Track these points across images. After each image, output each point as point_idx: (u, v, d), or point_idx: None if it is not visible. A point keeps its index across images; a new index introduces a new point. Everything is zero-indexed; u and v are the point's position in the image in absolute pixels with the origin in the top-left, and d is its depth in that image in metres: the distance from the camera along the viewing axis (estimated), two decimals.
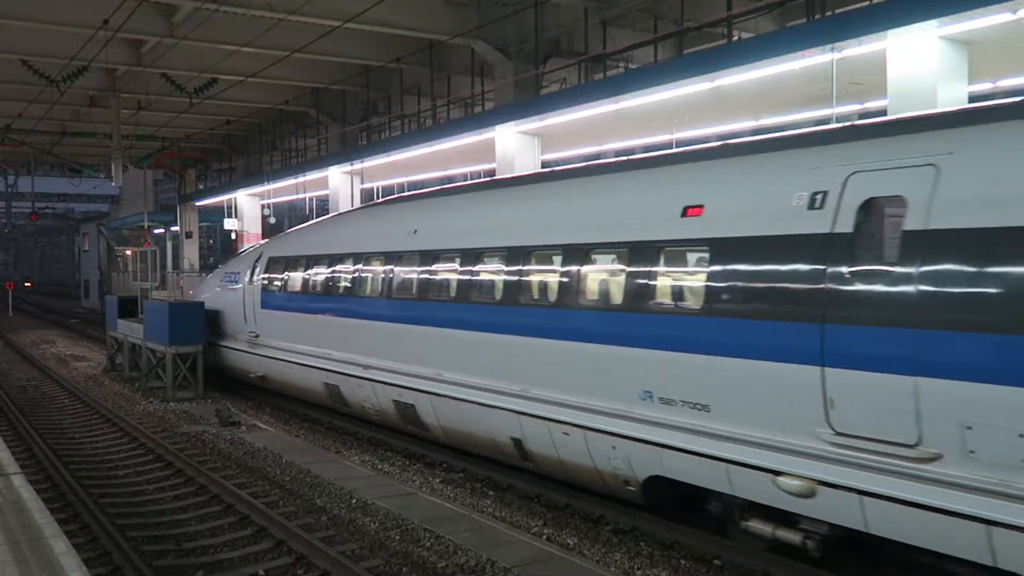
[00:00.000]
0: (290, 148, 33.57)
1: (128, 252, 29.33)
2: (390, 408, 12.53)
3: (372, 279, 13.28)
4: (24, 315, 48.16)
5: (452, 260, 11.48)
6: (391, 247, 12.88)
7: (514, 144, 18.21)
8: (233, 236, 37.25)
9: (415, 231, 12.44)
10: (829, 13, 13.78)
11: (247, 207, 34.49)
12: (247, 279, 17.25)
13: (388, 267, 12.71)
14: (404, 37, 21.10)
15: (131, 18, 17.87)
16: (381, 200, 16.26)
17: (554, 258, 9.94)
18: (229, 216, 34.31)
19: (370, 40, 22.08)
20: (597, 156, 21.53)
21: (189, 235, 39.91)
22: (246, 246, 20.48)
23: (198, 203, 39.16)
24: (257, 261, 17.14)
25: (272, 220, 34.94)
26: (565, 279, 9.46)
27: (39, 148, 34.68)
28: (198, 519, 9.55)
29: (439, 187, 14.84)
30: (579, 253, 9.40)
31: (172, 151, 37.56)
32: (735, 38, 16.54)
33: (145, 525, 9.32)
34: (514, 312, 10.10)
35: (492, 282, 10.67)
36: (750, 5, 15.94)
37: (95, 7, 18.65)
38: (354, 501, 9.77)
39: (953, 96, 10.91)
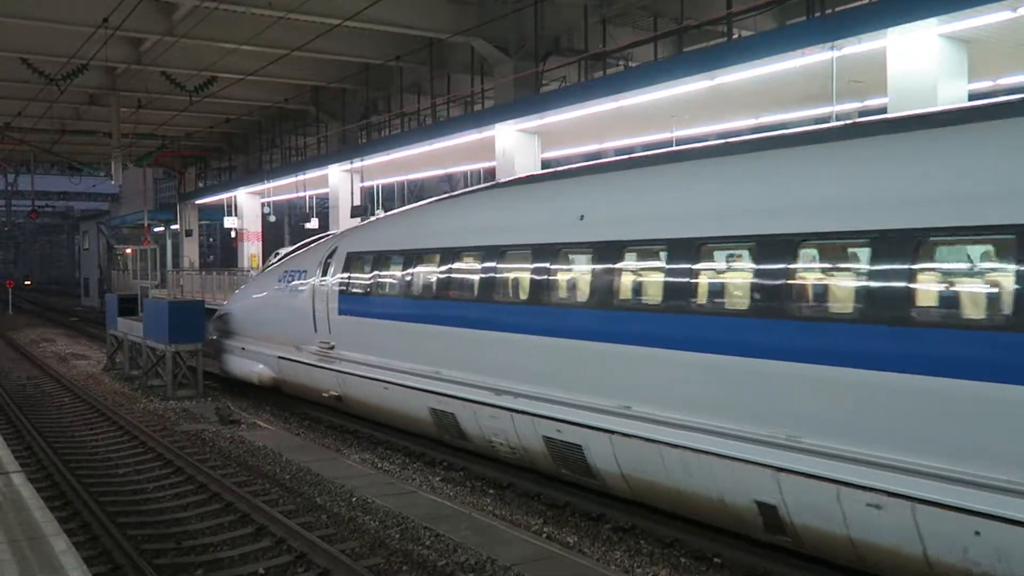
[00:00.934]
0: (290, 146, 33.58)
1: (128, 250, 29.37)
2: (537, 447, 9.80)
3: (512, 280, 10.42)
4: (24, 313, 48.16)
5: (650, 255, 8.87)
6: (543, 238, 9.87)
7: (514, 142, 18.23)
8: (233, 234, 37.27)
9: (581, 217, 9.54)
10: (829, 11, 13.78)
11: (247, 205, 34.49)
12: (316, 279, 14.40)
13: (540, 264, 9.78)
14: (404, 35, 21.11)
15: (131, 16, 17.89)
16: (516, 178, 12.60)
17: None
18: (229, 214, 34.32)
19: (370, 38, 22.09)
20: (597, 155, 21.54)
21: (189, 233, 39.94)
22: (308, 239, 17.60)
23: (198, 201, 39.18)
24: (330, 257, 14.26)
25: (272, 218, 34.96)
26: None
27: (39, 146, 34.71)
28: (198, 517, 9.55)
29: (614, 158, 11.73)
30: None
31: (172, 149, 37.58)
32: (735, 36, 16.54)
33: (145, 523, 9.32)
34: (785, 329, 7.09)
35: (725, 285, 7.97)
36: (750, 3, 15.93)
37: (95, 5, 18.67)
38: (354, 499, 9.77)
39: (953, 94, 10.92)
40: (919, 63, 10.89)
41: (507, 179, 13.14)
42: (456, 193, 13.51)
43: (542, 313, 9.74)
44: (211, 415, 15.15)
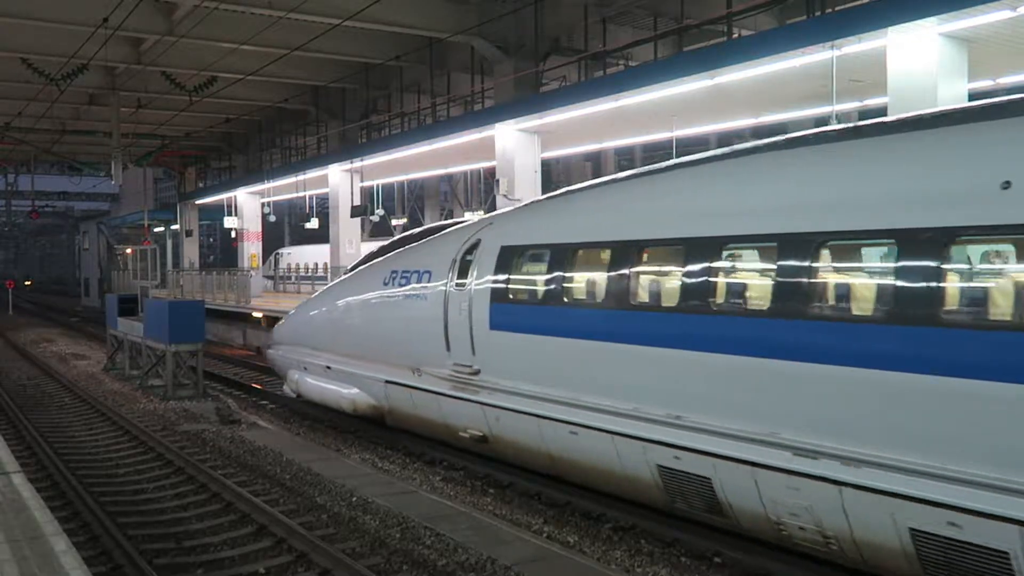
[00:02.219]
0: (290, 146, 33.59)
1: (128, 250, 29.38)
2: (889, 542, 6.44)
3: (860, 285, 7.03)
4: (24, 313, 48.19)
5: None
6: (898, 221, 6.49)
7: (514, 142, 18.23)
8: (233, 234, 37.29)
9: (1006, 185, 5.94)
10: (829, 10, 13.78)
11: (247, 205, 34.50)
12: (449, 282, 10.99)
13: (893, 263, 6.51)
14: (404, 35, 21.11)
15: (131, 16, 17.90)
16: (806, 133, 8.45)
17: None
18: (229, 214, 34.32)
19: (369, 38, 22.10)
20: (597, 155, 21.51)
21: (189, 233, 39.95)
22: (414, 230, 14.33)
23: (198, 201, 39.19)
24: (469, 253, 10.89)
25: (272, 218, 34.97)
26: None
27: (39, 146, 34.71)
28: (198, 517, 9.55)
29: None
30: None
31: (172, 149, 37.59)
32: (735, 35, 16.55)
33: (145, 523, 9.31)
34: None
35: None
36: (750, 2, 15.95)
37: (95, 5, 18.67)
38: (354, 499, 9.77)
39: (953, 93, 10.93)
40: (919, 62, 10.89)
41: (771, 140, 8.31)
42: (699, 158, 8.99)
43: (919, 338, 6.16)
44: (211, 415, 15.14)
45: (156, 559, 8.12)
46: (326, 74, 25.95)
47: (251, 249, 34.77)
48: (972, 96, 11.31)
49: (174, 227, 42.70)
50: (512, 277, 10.18)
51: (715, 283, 7.87)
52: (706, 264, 7.82)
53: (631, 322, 8.58)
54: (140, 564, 7.77)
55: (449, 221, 14.73)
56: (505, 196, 18.28)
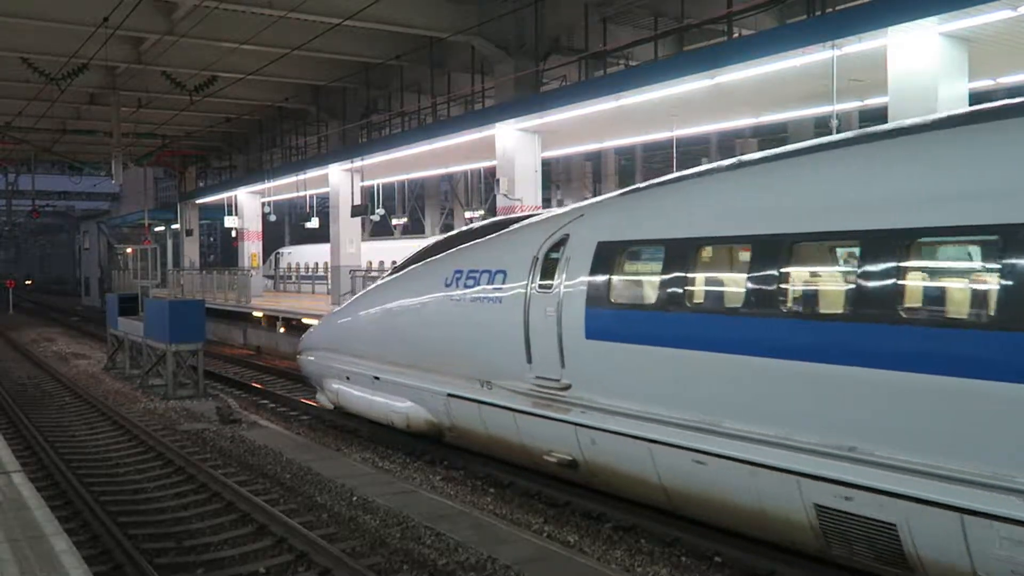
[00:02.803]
0: (290, 146, 33.59)
1: (129, 250, 29.38)
2: None
3: None
4: (25, 313, 48.20)
5: None
6: None
7: (514, 141, 18.23)
8: (233, 234, 37.29)
9: None
10: (829, 10, 13.78)
11: (247, 205, 34.50)
12: (530, 283, 9.61)
13: None
14: (404, 34, 21.11)
15: (131, 15, 17.89)
16: None
17: None
18: (229, 214, 34.32)
19: (370, 37, 22.10)
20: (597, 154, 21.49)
21: (190, 233, 39.95)
22: (475, 225, 13.05)
23: (198, 201, 39.19)
24: (555, 250, 9.52)
25: (272, 218, 34.97)
26: None
27: (39, 146, 34.72)
28: (199, 517, 9.56)
29: None
30: None
31: (172, 149, 37.60)
32: (735, 35, 16.55)
33: (146, 523, 9.32)
34: None
35: None
36: (750, 2, 15.96)
37: (95, 5, 18.67)
38: (355, 499, 9.77)
39: (954, 93, 10.93)
40: (920, 62, 10.89)
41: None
42: (881, 131, 7.40)
43: None
44: (211, 414, 15.15)
45: (156, 559, 8.13)
46: (326, 74, 25.94)
47: (251, 249, 34.78)
48: (972, 96, 11.31)
49: (174, 227, 42.69)
50: (616, 278, 8.69)
51: (911, 286, 6.38)
52: (901, 263, 6.28)
53: (787, 332, 7.01)
54: (140, 563, 7.78)
55: (517, 215, 12.52)
56: (505, 196, 18.28)
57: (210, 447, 12.87)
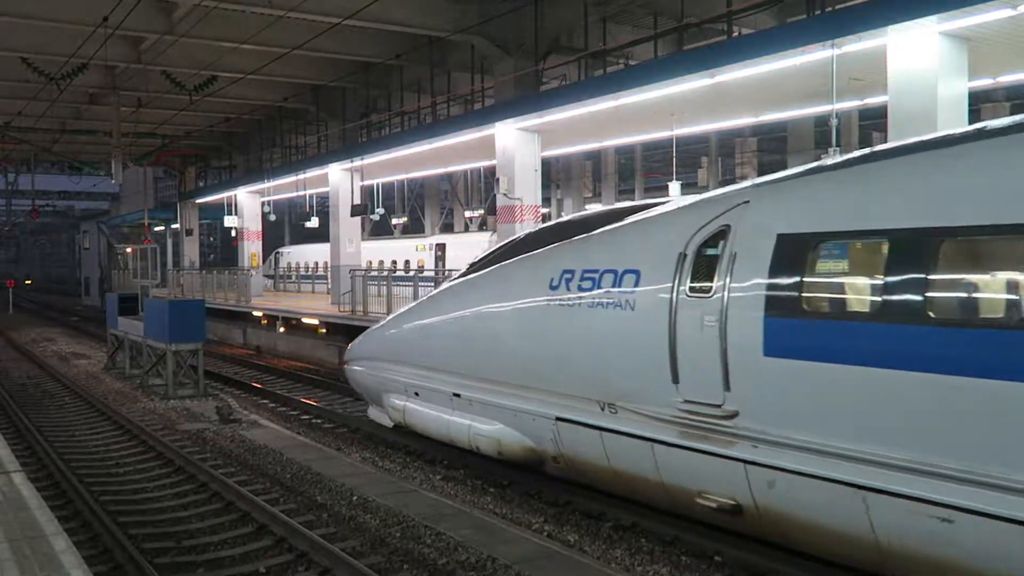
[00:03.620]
0: (290, 145, 33.59)
1: (128, 249, 29.40)
2: None
3: None
4: (25, 313, 48.21)
5: None
6: None
7: (514, 140, 18.23)
8: (233, 233, 37.29)
9: None
10: (829, 9, 13.78)
11: (247, 204, 34.51)
12: (678, 285, 7.81)
13: None
14: (404, 34, 21.10)
15: (131, 15, 17.89)
16: None
17: None
18: (229, 213, 34.32)
19: (370, 37, 22.09)
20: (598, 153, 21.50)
21: (189, 232, 39.95)
22: (583, 214, 11.50)
23: (198, 200, 39.20)
24: (712, 245, 7.71)
25: (272, 217, 34.98)
26: None
27: (39, 146, 34.72)
28: (199, 516, 9.56)
29: None
30: None
31: (172, 148, 37.59)
32: (735, 34, 16.55)
33: (146, 523, 9.32)
34: None
35: None
36: (750, 1, 15.95)
37: (95, 4, 18.66)
38: (355, 498, 9.77)
39: (953, 92, 10.93)
40: (919, 61, 10.89)
41: None
42: None
43: None
44: (211, 414, 15.15)
45: (156, 558, 8.13)
46: (326, 73, 25.94)
47: (251, 248, 34.78)
48: (972, 95, 11.32)
49: (174, 226, 42.69)
50: (812, 280, 6.96)
51: None
52: None
53: None
54: (140, 563, 7.78)
55: (645, 202, 10.24)
56: (505, 195, 18.29)
57: (210, 447, 12.86)
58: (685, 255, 7.83)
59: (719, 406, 7.33)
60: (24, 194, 56.51)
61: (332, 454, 12.25)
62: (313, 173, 27.33)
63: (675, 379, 7.70)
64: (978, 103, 25.30)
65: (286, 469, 11.30)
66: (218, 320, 29.90)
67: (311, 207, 33.62)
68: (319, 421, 15.47)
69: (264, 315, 27.03)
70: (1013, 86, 14.03)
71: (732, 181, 36.67)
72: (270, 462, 11.72)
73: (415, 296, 19.01)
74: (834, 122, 12.19)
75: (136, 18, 18.43)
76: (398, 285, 20.71)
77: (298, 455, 11.92)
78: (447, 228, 40.80)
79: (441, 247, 29.79)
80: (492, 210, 29.34)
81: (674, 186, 19.52)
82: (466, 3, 19.95)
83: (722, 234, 7.59)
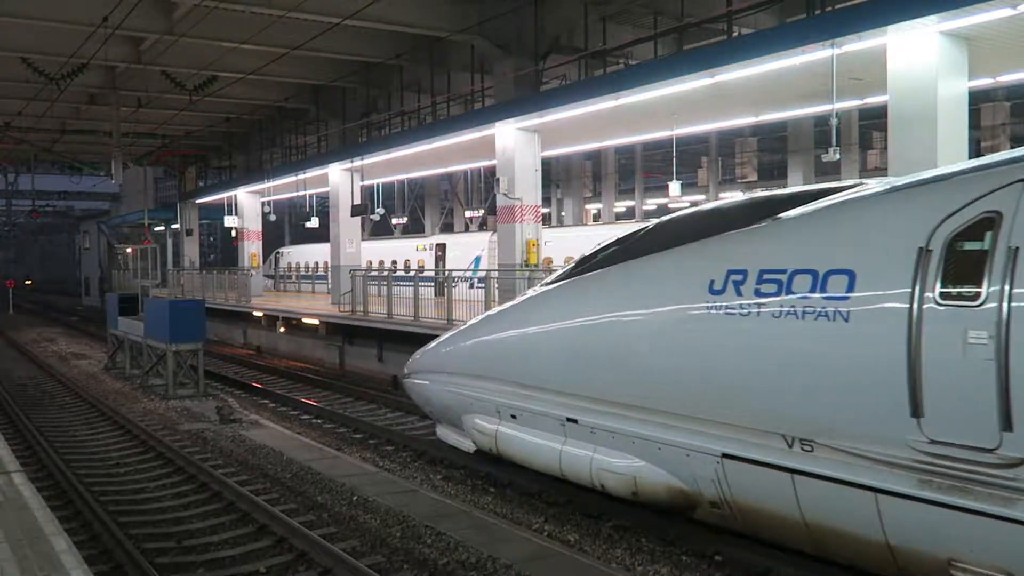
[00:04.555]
0: (290, 145, 33.57)
1: (129, 249, 29.40)
2: None
3: None
4: (25, 313, 48.21)
5: None
6: None
7: (514, 140, 18.22)
8: (233, 233, 37.27)
9: None
10: (829, 9, 13.77)
11: (247, 204, 34.50)
12: (919, 292, 6.07)
13: None
14: (404, 34, 21.09)
15: (131, 15, 17.88)
16: None
17: None
18: (229, 213, 34.30)
19: (370, 37, 22.08)
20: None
21: (190, 232, 39.93)
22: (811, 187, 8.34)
23: (198, 200, 39.18)
24: (973, 236, 6.00)
25: (272, 217, 34.96)
26: None
27: (39, 146, 34.70)
28: (199, 516, 9.56)
29: None
30: None
31: (172, 148, 37.56)
32: (735, 34, 16.53)
33: (146, 523, 9.33)
34: None
35: None
36: (750, 1, 15.94)
37: (95, 4, 18.64)
38: (355, 498, 9.77)
39: (953, 92, 10.93)
40: (919, 61, 10.89)
41: None
42: None
43: None
44: (212, 414, 15.15)
45: (157, 558, 8.13)
46: (326, 73, 25.92)
47: (251, 248, 34.77)
48: (972, 95, 11.31)
49: (174, 226, 42.65)
50: None
51: None
52: None
53: None
54: (141, 563, 7.78)
55: (822, 186, 7.97)
56: (505, 195, 18.28)
57: (210, 447, 12.87)
58: (929, 251, 6.09)
59: (991, 450, 5.63)
60: (24, 194, 56.50)
61: (332, 454, 12.25)
62: (313, 173, 27.31)
63: (916, 412, 5.98)
64: (978, 103, 25.33)
65: (286, 469, 11.30)
66: (218, 320, 29.91)
67: (311, 207, 33.59)
68: (319, 421, 15.47)
69: (264, 315, 27.03)
70: (1013, 85, 14.01)
71: (732, 181, 36.68)
72: (270, 462, 11.72)
73: (415, 296, 18.95)
74: (834, 122, 12.18)
75: (136, 18, 18.41)
76: (398, 285, 20.71)
77: (298, 455, 11.92)
78: (447, 228, 40.78)
79: (441, 247, 29.79)
80: (492, 210, 29.34)
81: (674, 186, 19.52)
82: (466, 3, 19.93)
83: (989, 223, 5.89)
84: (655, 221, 9.21)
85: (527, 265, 17.94)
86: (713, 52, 13.93)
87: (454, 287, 18.15)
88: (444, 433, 11.35)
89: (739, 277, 7.22)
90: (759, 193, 9.41)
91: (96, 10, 18.65)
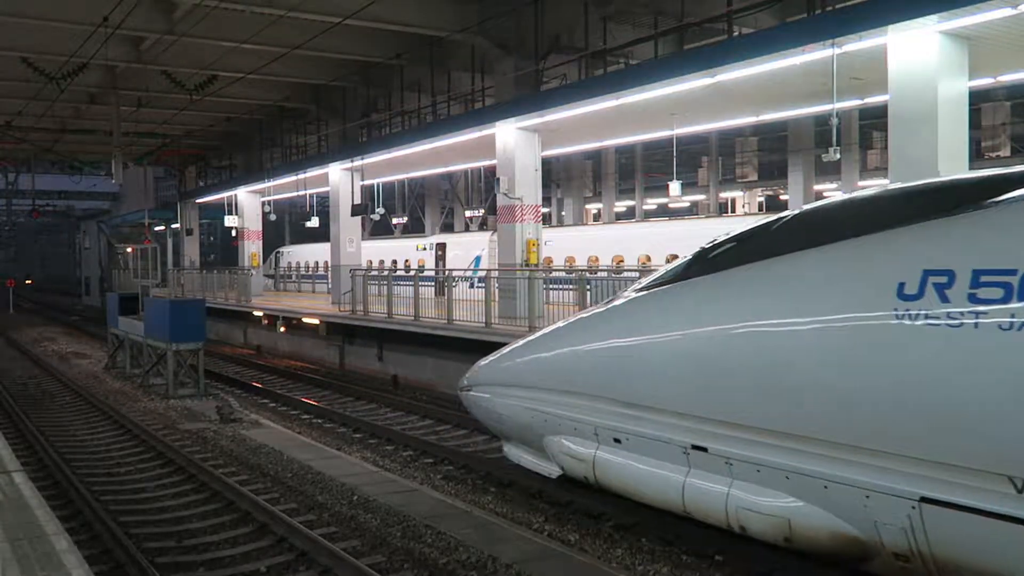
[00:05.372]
0: (290, 145, 33.57)
1: (129, 249, 29.39)
2: None
3: None
4: (25, 312, 48.20)
5: None
6: None
7: (514, 140, 18.22)
8: (233, 233, 37.26)
9: None
10: (829, 8, 13.77)
11: (247, 204, 34.50)
12: None
13: None
14: (404, 33, 21.08)
15: (131, 15, 17.88)
16: None
17: None
18: (229, 213, 34.30)
19: (370, 36, 22.07)
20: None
21: (190, 232, 39.93)
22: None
23: (198, 200, 39.18)
24: None
25: (272, 217, 34.96)
26: None
27: (39, 145, 34.69)
28: (199, 516, 9.56)
29: None
30: None
31: (172, 148, 37.55)
32: (735, 34, 16.53)
33: (146, 522, 9.33)
34: None
35: None
36: (750, 1, 15.93)
37: (95, 4, 18.63)
38: (355, 498, 9.77)
39: (954, 91, 10.93)
40: (920, 60, 10.89)
41: None
42: None
43: None
44: (212, 414, 15.15)
45: (157, 558, 8.13)
46: (326, 73, 25.91)
47: (251, 248, 34.77)
48: (972, 94, 11.31)
49: (175, 226, 42.65)
50: None
51: None
52: None
53: None
54: (141, 563, 7.78)
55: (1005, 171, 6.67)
56: (505, 195, 18.28)
57: (211, 446, 12.87)
58: None
59: None
60: (24, 194, 56.48)
61: (332, 454, 12.25)
62: (313, 173, 27.31)
63: None
64: (978, 102, 25.32)
65: (287, 469, 11.30)
66: (218, 320, 29.91)
67: (311, 207, 33.59)
68: (319, 421, 15.47)
69: (264, 315, 27.04)
70: (1013, 85, 14.01)
71: (732, 181, 36.74)
72: (271, 462, 11.72)
73: (415, 296, 18.93)
74: (835, 121, 12.18)
75: (136, 18, 18.41)
76: (398, 285, 20.71)
77: (299, 455, 11.92)
78: (447, 228, 40.77)
79: (441, 247, 29.79)
80: (492, 210, 29.32)
81: (674, 186, 19.51)
82: (466, 3, 19.93)
83: None
84: (790, 212, 7.81)
85: (527, 265, 17.93)
86: (713, 52, 13.93)
87: (454, 287, 18.13)
88: (516, 454, 9.93)
89: (942, 279, 5.83)
90: (935, 178, 7.92)
91: (96, 10, 18.64)
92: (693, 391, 7.31)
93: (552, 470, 9.19)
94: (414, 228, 43.35)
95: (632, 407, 7.88)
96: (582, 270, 19.52)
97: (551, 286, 17.38)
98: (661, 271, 8.57)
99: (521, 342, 9.85)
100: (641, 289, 8.34)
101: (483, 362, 10.33)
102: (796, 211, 7.76)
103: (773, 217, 7.76)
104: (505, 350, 10.02)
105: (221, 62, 22.78)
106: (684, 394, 7.39)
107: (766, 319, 6.82)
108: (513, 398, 9.46)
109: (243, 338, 29.63)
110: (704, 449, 7.26)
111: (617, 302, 8.67)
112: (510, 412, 9.59)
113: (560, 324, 9.55)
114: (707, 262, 7.73)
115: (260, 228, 35.37)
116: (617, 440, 8.11)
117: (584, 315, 9.39)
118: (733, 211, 36.52)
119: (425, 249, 30.44)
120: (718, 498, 7.27)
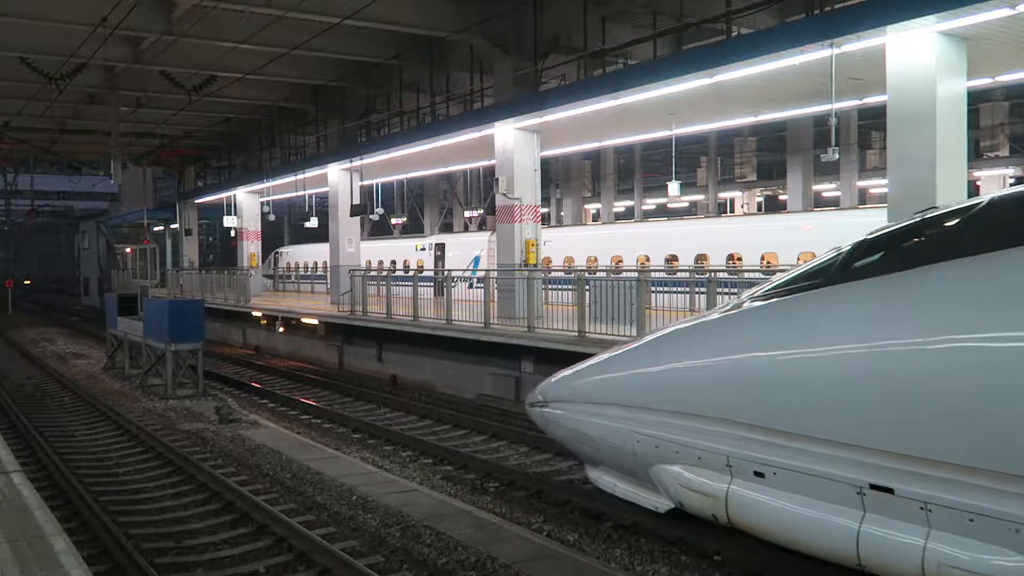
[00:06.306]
0: (289, 145, 33.56)
1: (128, 249, 29.39)
2: None
3: None
4: (24, 313, 48.17)
5: None
6: None
7: (513, 140, 18.22)
8: (232, 233, 37.25)
9: None
10: (828, 9, 13.78)
11: (246, 204, 34.49)
12: None
13: None
14: (403, 34, 21.08)
15: (130, 15, 17.86)
16: None
17: None
18: (229, 213, 34.28)
19: (369, 37, 22.06)
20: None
21: (189, 232, 39.91)
22: None
23: (197, 200, 39.17)
24: None
25: (271, 217, 34.95)
26: None
27: (38, 145, 34.68)
28: (198, 516, 9.56)
29: None
30: None
31: (171, 148, 37.54)
32: (734, 34, 16.54)
33: (145, 523, 9.32)
34: None
35: None
36: (749, 1, 15.94)
37: (94, 4, 18.62)
38: (354, 498, 9.77)
39: (952, 91, 10.93)
40: (918, 61, 10.90)
41: None
42: None
43: None
44: (211, 414, 15.15)
45: (156, 558, 8.13)
46: (325, 73, 25.90)
47: (250, 248, 34.75)
48: (970, 94, 11.31)
49: (173, 226, 42.63)
50: None
51: None
52: None
53: None
54: (140, 563, 7.78)
55: None
56: (504, 195, 18.28)
57: (210, 447, 12.86)
58: None
59: None
60: (23, 194, 56.45)
61: (332, 454, 12.25)
62: (312, 173, 27.30)
63: None
64: (977, 102, 25.34)
65: (286, 469, 11.30)
66: (217, 320, 29.89)
67: (310, 207, 33.58)
68: (318, 421, 15.47)
69: (263, 315, 27.03)
70: (1012, 85, 14.02)
71: (731, 181, 36.78)
72: (270, 462, 11.72)
73: (414, 296, 18.91)
74: (833, 121, 12.19)
75: (135, 18, 18.39)
76: (397, 285, 20.70)
77: (298, 455, 11.92)
78: (446, 228, 40.76)
79: (440, 247, 29.79)
80: (492, 210, 29.32)
81: (673, 186, 19.51)
82: (465, 3, 19.92)
83: None
84: (985, 197, 6.19)
85: (526, 265, 17.93)
86: (712, 52, 13.94)
87: (453, 287, 18.12)
88: (608, 482, 8.65)
89: None
90: None
91: (95, 10, 18.63)
92: (870, 418, 5.87)
93: (660, 503, 7.92)
94: (413, 228, 43.35)
95: (781, 435, 6.45)
96: (581, 270, 19.54)
97: (550, 286, 17.39)
98: (801, 269, 7.14)
99: (617, 352, 8.47)
100: (779, 291, 6.89)
101: (562, 374, 8.98)
102: (991, 196, 6.15)
103: (957, 205, 6.44)
104: (593, 361, 8.69)
105: (220, 62, 22.77)
106: (856, 421, 5.97)
107: (979, 331, 5.39)
108: (608, 418, 8.10)
109: (242, 338, 29.62)
110: (890, 491, 5.82)
111: (753, 306, 7.09)
112: (604, 434, 8.23)
113: (671, 330, 8.11)
114: (855, 260, 6.41)
115: (259, 228, 35.35)
116: (759, 474, 6.72)
117: (706, 319, 7.79)
118: (732, 211, 36.54)
119: (424, 249, 30.44)
120: (911, 553, 5.77)
